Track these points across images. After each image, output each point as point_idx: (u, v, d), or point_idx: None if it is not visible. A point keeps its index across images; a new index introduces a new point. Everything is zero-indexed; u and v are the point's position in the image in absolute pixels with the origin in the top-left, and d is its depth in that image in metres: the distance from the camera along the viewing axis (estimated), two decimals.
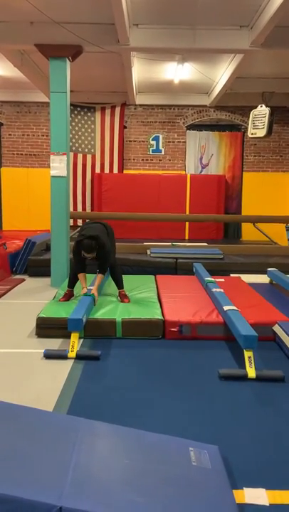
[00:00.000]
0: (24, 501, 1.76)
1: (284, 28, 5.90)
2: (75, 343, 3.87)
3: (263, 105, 8.70)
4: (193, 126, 10.62)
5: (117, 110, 10.35)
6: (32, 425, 2.41)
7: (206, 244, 8.53)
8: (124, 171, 10.63)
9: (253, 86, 8.96)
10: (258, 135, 8.80)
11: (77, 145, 10.37)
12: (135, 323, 4.37)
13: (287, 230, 9.32)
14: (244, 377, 3.43)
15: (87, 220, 4.91)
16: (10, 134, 10.64)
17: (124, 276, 5.24)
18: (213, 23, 6.00)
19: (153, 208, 9.99)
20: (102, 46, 6.14)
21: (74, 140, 10.28)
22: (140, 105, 10.47)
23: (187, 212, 10.24)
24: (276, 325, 4.27)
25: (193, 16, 5.80)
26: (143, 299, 5.13)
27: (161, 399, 3.13)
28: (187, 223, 10.26)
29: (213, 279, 5.70)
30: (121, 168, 10.59)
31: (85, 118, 10.38)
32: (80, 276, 4.97)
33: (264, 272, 6.61)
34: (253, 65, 7.70)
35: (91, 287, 4.80)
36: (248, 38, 6.13)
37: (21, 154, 10.69)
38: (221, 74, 8.33)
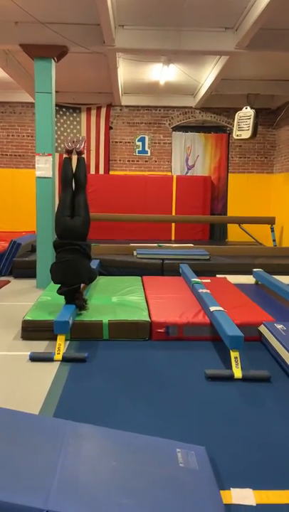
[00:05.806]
0: (10, 505, 1.74)
1: (268, 31, 5.95)
2: (61, 346, 3.85)
3: (248, 107, 8.78)
4: (178, 128, 10.64)
5: (103, 111, 10.33)
6: (18, 429, 2.39)
7: (192, 245, 8.55)
8: (110, 172, 10.60)
9: (238, 88, 9.02)
10: (243, 136, 8.88)
11: (62, 146, 10.31)
12: (122, 325, 4.36)
13: (272, 231, 9.40)
14: (231, 378, 3.45)
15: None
16: None
17: (110, 278, 5.20)
18: (199, 24, 6.02)
19: (139, 209, 9.99)
20: (88, 47, 6.13)
21: (59, 141, 10.22)
22: (126, 106, 10.46)
23: (173, 214, 10.26)
24: (262, 325, 4.30)
25: (179, 18, 5.82)
26: (129, 300, 5.11)
27: (148, 400, 3.13)
28: (173, 224, 10.28)
29: (199, 280, 5.71)
30: (107, 169, 10.56)
31: (71, 119, 10.34)
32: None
33: (250, 273, 6.65)
34: (238, 67, 7.74)
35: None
36: (233, 40, 6.17)
37: (6, 155, 10.60)
38: (207, 75, 8.37)
